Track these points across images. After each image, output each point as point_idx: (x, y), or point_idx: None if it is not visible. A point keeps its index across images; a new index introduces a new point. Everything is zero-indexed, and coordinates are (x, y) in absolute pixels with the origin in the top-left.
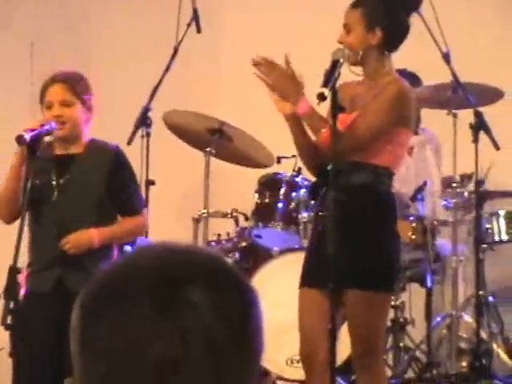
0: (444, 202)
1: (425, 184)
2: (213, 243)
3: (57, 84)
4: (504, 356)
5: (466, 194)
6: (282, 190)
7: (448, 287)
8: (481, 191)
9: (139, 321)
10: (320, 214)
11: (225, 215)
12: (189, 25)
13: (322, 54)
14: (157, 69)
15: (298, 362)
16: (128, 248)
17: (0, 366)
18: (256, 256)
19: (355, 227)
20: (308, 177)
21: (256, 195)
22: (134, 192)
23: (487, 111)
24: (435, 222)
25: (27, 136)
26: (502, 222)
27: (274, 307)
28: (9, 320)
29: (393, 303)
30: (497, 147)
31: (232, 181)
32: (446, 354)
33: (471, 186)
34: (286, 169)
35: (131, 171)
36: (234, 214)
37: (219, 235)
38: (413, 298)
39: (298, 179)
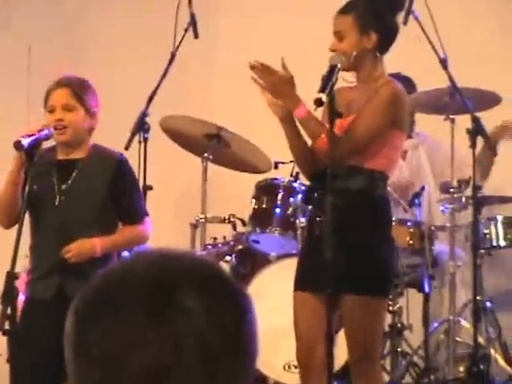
0: (441, 208)
1: (422, 189)
2: (209, 246)
3: (60, 88)
4: (502, 361)
5: (463, 199)
6: (280, 196)
7: (446, 292)
8: (478, 196)
9: (131, 327)
10: (318, 219)
11: (222, 220)
12: (186, 30)
13: (318, 57)
14: (154, 74)
15: (295, 367)
16: (126, 254)
17: None
18: (253, 261)
19: (351, 232)
20: (306, 182)
21: (253, 200)
22: (136, 199)
23: (484, 116)
24: (433, 228)
25: (25, 141)
26: (500, 227)
27: (272, 312)
28: (6, 325)
29: (390, 308)
30: (494, 153)
31: (229, 186)
32: (443, 359)
33: (469, 191)
34: (283, 174)
35: (134, 179)
36: (232, 219)
37: (215, 239)
38: (410, 303)
39: (295, 184)
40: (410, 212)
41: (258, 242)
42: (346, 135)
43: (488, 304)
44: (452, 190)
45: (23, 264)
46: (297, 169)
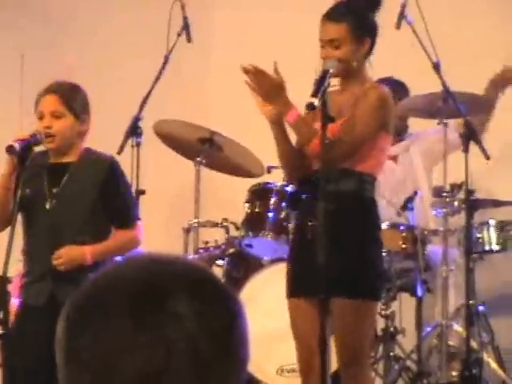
0: (434, 212)
1: (415, 193)
2: (201, 250)
3: (49, 95)
4: (494, 365)
5: (456, 203)
6: (273, 200)
7: (438, 296)
8: (471, 200)
9: (122, 332)
10: (310, 223)
11: (215, 225)
12: (179, 34)
13: (313, 53)
14: (147, 78)
15: (288, 371)
16: (118, 258)
17: None
18: (246, 265)
19: (343, 235)
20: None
21: (246, 205)
22: (127, 202)
23: None
24: (425, 232)
25: (17, 146)
26: (493, 231)
27: (265, 316)
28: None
29: (383, 312)
30: (487, 157)
31: (222, 190)
32: (436, 363)
33: (461, 196)
34: (276, 178)
35: (125, 182)
36: (225, 223)
37: (207, 242)
38: (403, 307)
39: (288, 189)
40: (403, 216)
41: (251, 246)
42: (341, 139)
43: (481, 308)
44: (445, 194)
45: (16, 268)
46: None
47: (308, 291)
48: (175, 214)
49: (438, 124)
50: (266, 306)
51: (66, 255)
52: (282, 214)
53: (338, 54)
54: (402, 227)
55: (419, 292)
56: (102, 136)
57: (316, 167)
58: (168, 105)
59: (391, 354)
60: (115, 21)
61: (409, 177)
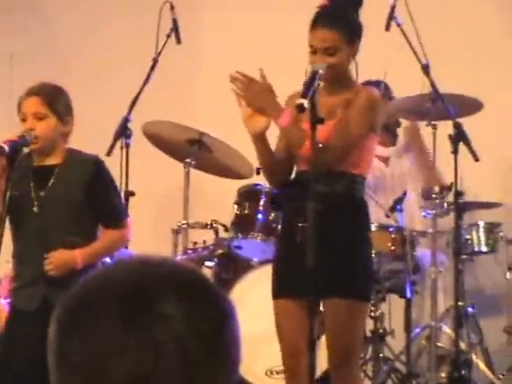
0: (423, 213)
1: (404, 194)
2: (190, 251)
3: (31, 97)
4: (483, 367)
5: (445, 204)
6: (262, 201)
7: (427, 298)
8: (460, 202)
9: (111, 334)
10: (300, 225)
11: (204, 226)
12: (168, 36)
13: (303, 54)
14: (136, 79)
15: (277, 373)
16: (108, 260)
17: None
18: (235, 267)
19: (333, 235)
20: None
21: (235, 206)
22: (114, 201)
23: (466, 122)
24: (414, 233)
25: (6, 147)
26: (482, 232)
27: (254, 318)
28: None
29: (372, 314)
30: (476, 158)
31: (211, 192)
32: (425, 364)
33: (450, 197)
34: (265, 180)
35: (111, 181)
36: (214, 224)
37: (196, 243)
38: (392, 308)
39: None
40: (391, 217)
41: (240, 247)
42: (333, 143)
43: (470, 309)
44: (434, 195)
45: (4, 270)
46: None
47: (296, 292)
48: (164, 215)
49: (427, 126)
50: (256, 308)
51: (57, 261)
52: (271, 216)
53: (332, 60)
54: (390, 229)
55: (408, 293)
56: (92, 137)
57: (303, 168)
58: (157, 106)
59: (380, 355)
60: (105, 23)
61: (397, 181)
